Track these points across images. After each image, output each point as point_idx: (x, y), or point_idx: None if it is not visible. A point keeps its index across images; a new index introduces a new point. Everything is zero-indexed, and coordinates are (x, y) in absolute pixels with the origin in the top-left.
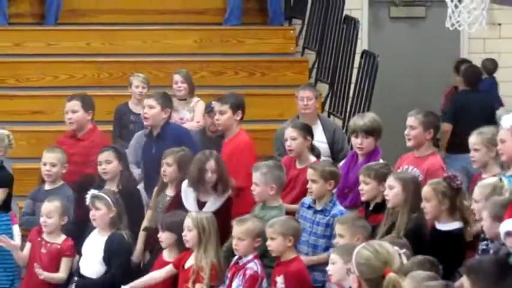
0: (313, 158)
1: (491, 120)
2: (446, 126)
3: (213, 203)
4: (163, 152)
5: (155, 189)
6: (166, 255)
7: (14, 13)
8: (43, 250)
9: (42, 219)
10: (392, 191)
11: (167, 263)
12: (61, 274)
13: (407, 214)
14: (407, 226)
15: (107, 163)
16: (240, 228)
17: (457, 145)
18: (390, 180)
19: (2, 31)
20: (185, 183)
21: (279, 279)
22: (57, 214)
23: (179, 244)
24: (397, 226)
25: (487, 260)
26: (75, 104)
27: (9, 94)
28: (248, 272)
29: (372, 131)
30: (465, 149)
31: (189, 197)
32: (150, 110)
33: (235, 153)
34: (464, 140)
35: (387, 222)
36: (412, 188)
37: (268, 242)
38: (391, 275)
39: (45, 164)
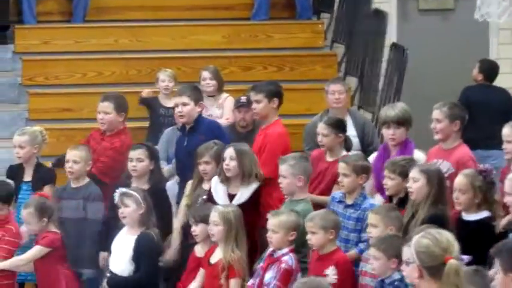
0: (343, 152)
1: (509, 115)
2: None
3: (240, 195)
4: (194, 145)
5: (189, 184)
6: (199, 250)
7: (42, 11)
8: None
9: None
10: (416, 183)
11: (200, 259)
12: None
13: (429, 207)
14: (430, 218)
15: (138, 161)
16: (274, 221)
17: (472, 140)
18: (415, 173)
19: (31, 29)
20: (215, 177)
21: (330, 271)
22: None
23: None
24: (417, 218)
25: None
26: (107, 106)
27: (38, 92)
28: (283, 266)
29: (403, 121)
30: (481, 144)
31: (218, 190)
32: (184, 108)
33: (267, 142)
34: (481, 134)
35: (408, 215)
36: (436, 181)
37: (309, 236)
38: (452, 261)
39: (67, 161)
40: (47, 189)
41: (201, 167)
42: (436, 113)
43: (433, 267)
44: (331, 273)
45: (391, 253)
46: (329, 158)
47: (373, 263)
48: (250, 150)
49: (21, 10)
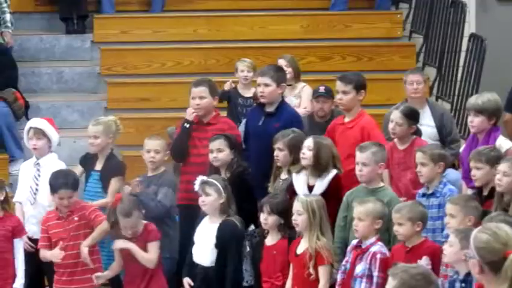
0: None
1: None
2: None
3: (319, 185)
4: (268, 129)
5: (272, 175)
6: (269, 240)
7: (120, 1)
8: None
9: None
10: (508, 177)
11: (271, 248)
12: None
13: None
14: None
15: (219, 151)
16: (360, 209)
17: None
18: (505, 167)
19: (109, 19)
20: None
21: (424, 261)
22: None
23: (283, 227)
24: (510, 211)
25: None
26: (203, 91)
27: (117, 81)
28: (379, 256)
29: (481, 110)
30: None
31: (299, 180)
32: (266, 88)
33: (368, 135)
34: None
35: (498, 207)
36: None
37: (396, 228)
38: None
39: (149, 151)
40: (113, 182)
41: (275, 153)
42: None
43: (494, 262)
44: (424, 263)
45: (466, 244)
46: (400, 147)
47: (447, 249)
48: (331, 143)
49: (99, 0)
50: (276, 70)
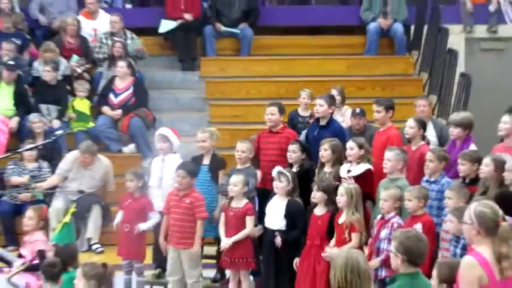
0: (422, 143)
1: None
2: None
3: (353, 172)
4: (322, 137)
5: (317, 168)
6: (317, 211)
7: (219, 48)
8: (231, 213)
9: (229, 187)
10: (488, 168)
11: (317, 218)
12: (248, 229)
13: (497, 185)
14: (500, 194)
15: (293, 152)
16: (385, 193)
17: None
18: (487, 160)
19: (211, 60)
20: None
21: (418, 226)
22: (241, 184)
23: (328, 203)
24: (489, 194)
25: None
26: (274, 110)
27: (216, 104)
28: (396, 225)
29: (459, 124)
30: None
31: (343, 169)
32: (320, 108)
33: (393, 141)
34: None
35: (480, 191)
36: (501, 167)
37: (406, 203)
38: (504, 223)
39: (237, 151)
40: (221, 174)
41: (321, 152)
42: (506, 119)
43: (489, 227)
44: (418, 228)
45: (461, 218)
46: (413, 147)
47: (449, 225)
48: (366, 143)
49: (205, 47)
50: (330, 97)
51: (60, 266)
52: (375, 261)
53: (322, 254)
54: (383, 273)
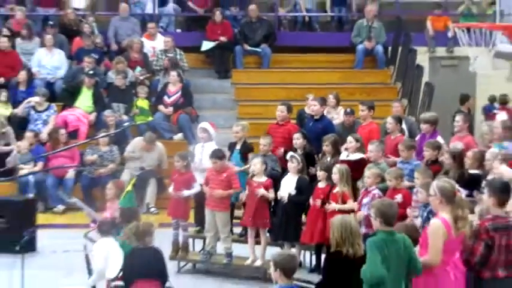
0: (399, 134)
1: None
2: None
3: (351, 158)
4: (316, 129)
5: (320, 157)
6: (320, 184)
7: (245, 62)
8: (255, 185)
9: (251, 167)
10: (447, 154)
11: (320, 190)
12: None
13: (456, 169)
14: (457, 174)
15: (297, 139)
16: (369, 172)
17: None
18: (445, 150)
19: (240, 71)
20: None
21: (398, 197)
22: (259, 164)
23: (328, 179)
24: (450, 174)
25: (497, 180)
26: (283, 108)
27: (244, 104)
28: (376, 195)
29: (427, 121)
30: None
31: (343, 156)
32: (315, 107)
33: (375, 133)
34: None
35: (443, 171)
36: (458, 155)
37: (388, 182)
38: (459, 194)
39: (261, 145)
40: (250, 156)
41: (323, 148)
42: (458, 118)
43: (449, 197)
44: (398, 198)
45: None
46: (392, 137)
47: (419, 196)
48: (361, 138)
49: (235, 61)
50: (322, 99)
51: (109, 225)
52: (358, 216)
53: (326, 207)
54: (363, 230)
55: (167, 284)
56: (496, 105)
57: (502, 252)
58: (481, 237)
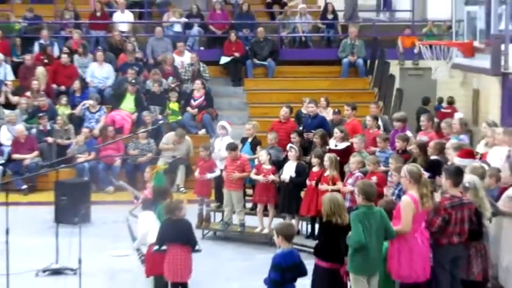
0: (376, 129)
1: None
2: None
3: (339, 146)
4: (311, 124)
5: (312, 147)
6: (314, 169)
7: (255, 73)
8: (264, 171)
9: (261, 158)
10: (413, 146)
11: (314, 173)
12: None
13: (422, 156)
14: (424, 161)
15: (293, 138)
16: (353, 159)
17: None
18: (413, 142)
19: (250, 79)
20: (332, 140)
21: (374, 179)
22: (265, 154)
23: (320, 164)
24: (417, 161)
25: (452, 166)
26: (286, 110)
27: (254, 106)
28: (359, 177)
29: (399, 119)
30: None
31: (331, 144)
32: (311, 108)
33: (358, 129)
34: None
35: (411, 159)
36: (423, 146)
37: (367, 167)
38: (424, 176)
39: (269, 139)
40: (258, 148)
41: (314, 139)
42: (423, 118)
43: (416, 178)
44: (374, 179)
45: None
46: (371, 131)
47: (393, 178)
48: (345, 129)
49: (246, 72)
50: (314, 101)
51: (149, 202)
52: (346, 189)
53: (319, 187)
54: (348, 203)
55: (196, 247)
56: (444, 104)
57: (457, 223)
58: (440, 213)
